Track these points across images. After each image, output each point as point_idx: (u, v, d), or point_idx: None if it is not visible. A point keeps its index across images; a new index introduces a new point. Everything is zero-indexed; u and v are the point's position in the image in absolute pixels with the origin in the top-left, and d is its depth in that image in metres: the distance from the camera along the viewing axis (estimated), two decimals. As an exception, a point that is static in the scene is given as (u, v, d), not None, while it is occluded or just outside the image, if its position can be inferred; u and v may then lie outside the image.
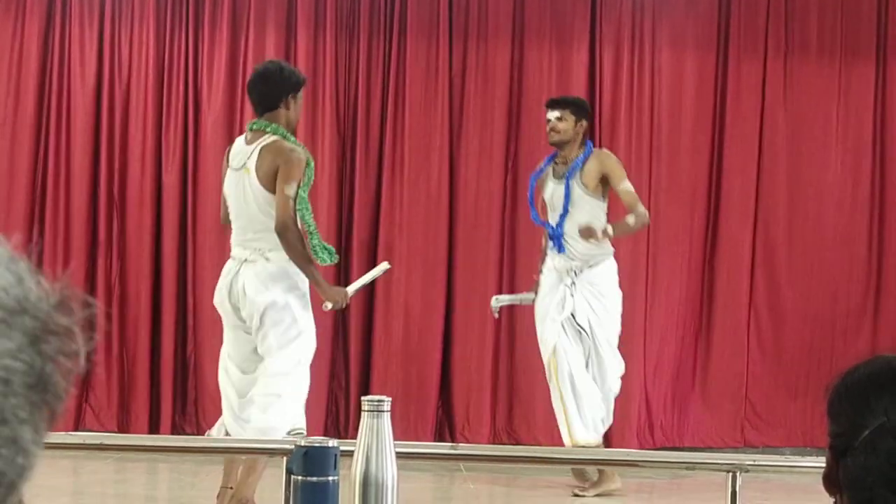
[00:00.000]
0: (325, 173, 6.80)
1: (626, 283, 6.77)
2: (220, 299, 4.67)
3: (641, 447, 6.72)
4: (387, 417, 2.41)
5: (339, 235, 6.87)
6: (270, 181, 4.49)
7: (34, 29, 6.74)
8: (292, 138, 4.64)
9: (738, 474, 2.80)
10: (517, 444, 6.60)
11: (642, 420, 6.82)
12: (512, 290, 6.74)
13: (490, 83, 6.88)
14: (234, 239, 4.67)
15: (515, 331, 6.78)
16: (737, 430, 6.90)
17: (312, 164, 4.64)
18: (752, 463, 2.94)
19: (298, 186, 4.47)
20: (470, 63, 6.88)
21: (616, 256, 6.76)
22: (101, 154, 6.76)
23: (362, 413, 2.41)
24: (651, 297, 6.87)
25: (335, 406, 6.81)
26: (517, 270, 6.80)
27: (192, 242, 6.82)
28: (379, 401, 2.42)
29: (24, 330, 0.71)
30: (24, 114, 6.73)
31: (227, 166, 4.72)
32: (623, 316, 6.74)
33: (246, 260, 4.56)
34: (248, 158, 4.56)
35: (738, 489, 2.81)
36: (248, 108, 6.74)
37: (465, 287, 6.81)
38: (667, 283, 6.88)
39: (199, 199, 6.81)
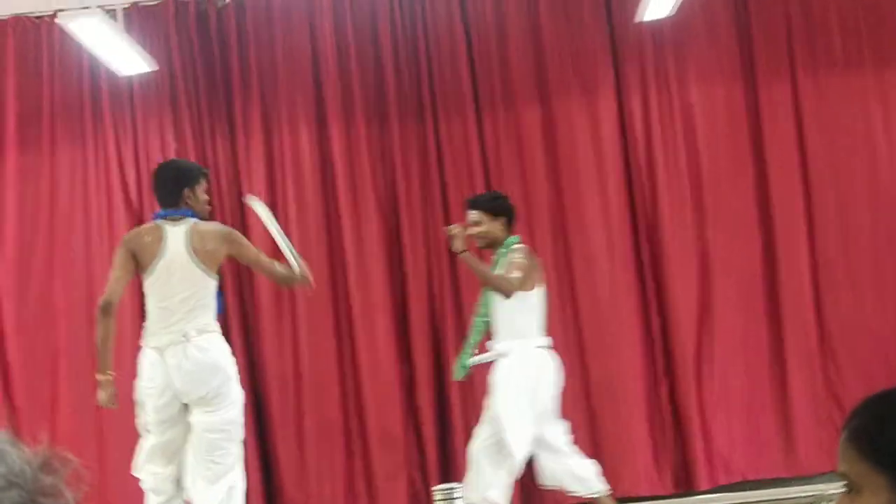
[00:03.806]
0: (375, 258, 6.85)
1: (686, 324, 6.73)
2: None
3: (717, 483, 6.62)
4: (459, 504, 2.43)
5: (397, 316, 6.89)
6: None
7: (65, 157, 6.90)
8: None
9: (821, 505, 2.76)
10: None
11: (722, 456, 6.70)
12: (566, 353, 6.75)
13: (525, 145, 6.90)
14: None
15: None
16: (826, 455, 6.75)
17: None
18: (835, 491, 2.89)
19: None
20: (500, 129, 6.91)
21: (673, 296, 6.74)
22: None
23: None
24: (714, 335, 6.77)
25: (414, 488, 6.80)
26: (570, 331, 6.78)
27: (255, 324, 6.90)
28: (449, 489, 2.43)
29: (14, 502, 0.74)
30: (67, 243, 6.87)
31: None
32: (689, 355, 6.73)
33: None
34: None
35: (824, 518, 2.77)
36: (291, 202, 6.87)
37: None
38: (729, 318, 6.78)
39: (256, 296, 6.90)
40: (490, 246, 5.61)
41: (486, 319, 5.62)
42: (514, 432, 5.36)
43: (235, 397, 4.97)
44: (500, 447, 5.39)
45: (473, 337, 5.67)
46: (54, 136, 6.93)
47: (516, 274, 5.35)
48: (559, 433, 5.61)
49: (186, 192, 5.02)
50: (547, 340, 5.58)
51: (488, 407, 5.54)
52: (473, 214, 5.57)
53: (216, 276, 4.95)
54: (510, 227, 5.62)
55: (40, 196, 6.91)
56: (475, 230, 5.55)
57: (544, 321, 5.59)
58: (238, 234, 5.06)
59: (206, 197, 5.15)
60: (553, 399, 5.55)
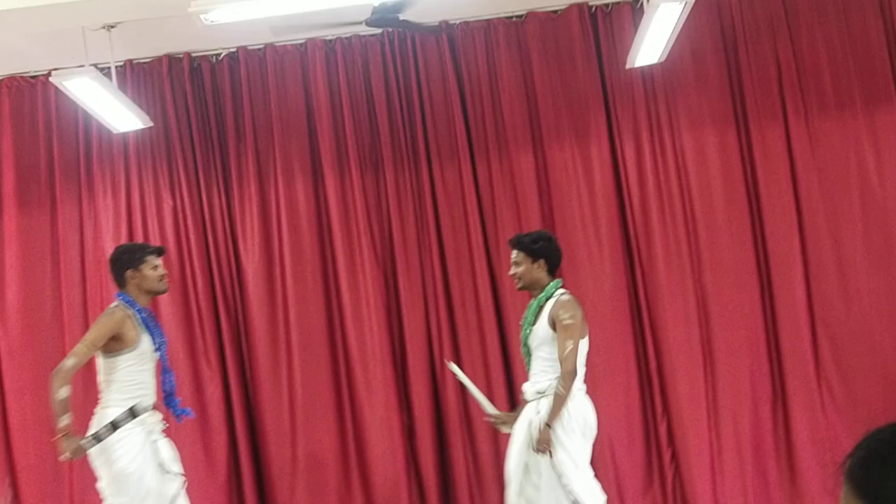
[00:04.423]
0: (372, 305, 6.85)
1: (684, 369, 6.73)
2: None
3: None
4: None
5: (395, 365, 6.88)
6: None
7: (65, 215, 6.93)
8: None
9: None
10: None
11: (720, 498, 6.67)
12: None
13: (519, 192, 6.92)
14: None
15: None
16: (830, 497, 6.72)
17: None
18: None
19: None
20: (496, 175, 6.94)
21: (669, 342, 6.74)
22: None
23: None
24: (712, 380, 6.77)
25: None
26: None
27: (253, 386, 6.89)
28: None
29: None
30: (69, 299, 6.88)
31: None
32: (687, 401, 6.71)
33: None
34: None
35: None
36: (287, 252, 6.89)
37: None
38: (727, 363, 6.78)
39: (253, 347, 6.90)
40: (529, 287, 5.37)
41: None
42: (578, 484, 5.15)
43: (103, 465, 5.13)
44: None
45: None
46: (53, 193, 6.96)
47: (569, 346, 5.09)
48: None
49: (129, 273, 5.26)
50: (583, 387, 5.35)
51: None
52: (514, 254, 5.39)
53: (105, 355, 5.13)
54: (552, 271, 5.38)
55: (42, 254, 6.92)
56: (513, 271, 5.39)
57: (584, 369, 5.32)
58: (99, 318, 5.20)
59: (156, 273, 5.31)
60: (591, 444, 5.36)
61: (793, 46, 6.97)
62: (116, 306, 5.19)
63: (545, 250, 5.37)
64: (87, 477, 6.73)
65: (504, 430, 5.53)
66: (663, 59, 6.23)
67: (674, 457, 6.76)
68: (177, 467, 5.25)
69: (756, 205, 6.91)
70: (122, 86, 6.66)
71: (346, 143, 6.97)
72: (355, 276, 6.91)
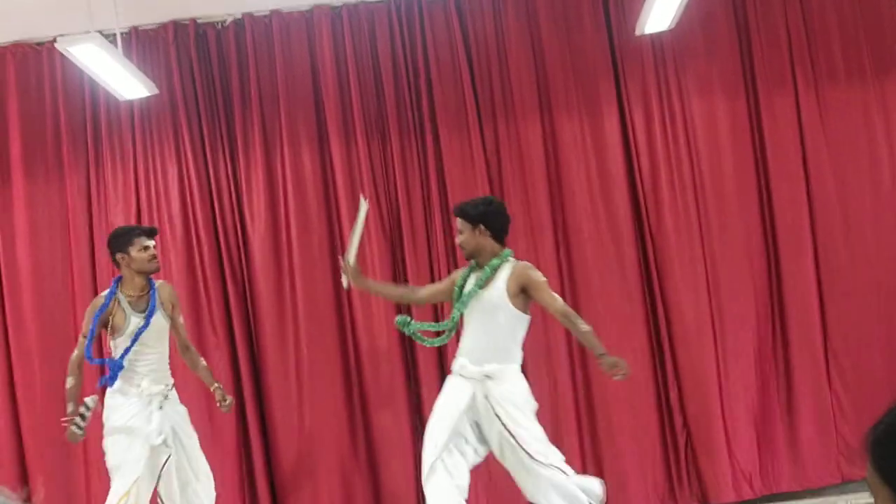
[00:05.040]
0: (378, 275, 6.84)
1: (694, 337, 6.73)
2: None
3: (740, 498, 6.59)
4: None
5: (402, 334, 6.87)
6: None
7: (72, 182, 6.91)
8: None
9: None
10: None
11: (736, 470, 6.68)
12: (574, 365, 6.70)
13: (526, 160, 6.89)
14: None
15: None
16: (833, 467, 6.73)
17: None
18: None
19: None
20: (503, 144, 6.90)
21: (679, 310, 6.73)
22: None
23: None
24: (722, 348, 6.76)
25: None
26: (574, 346, 6.75)
27: (259, 355, 6.90)
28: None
29: None
30: (79, 268, 6.88)
31: None
32: (697, 368, 6.71)
33: None
34: None
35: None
36: (293, 220, 6.87)
37: (530, 365, 6.76)
38: (736, 331, 6.77)
39: (259, 316, 6.90)
40: (474, 255, 5.26)
41: (452, 326, 5.45)
42: (546, 457, 5.15)
43: (105, 424, 5.45)
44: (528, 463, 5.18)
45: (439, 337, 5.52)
46: (61, 161, 6.93)
47: (557, 296, 5.21)
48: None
49: (119, 257, 5.47)
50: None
51: (506, 439, 5.19)
52: (457, 223, 5.32)
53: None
54: (498, 237, 5.27)
55: (52, 222, 6.90)
56: (457, 240, 5.32)
57: (522, 351, 5.36)
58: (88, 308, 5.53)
59: (146, 254, 5.45)
60: None
61: (803, 14, 6.93)
62: (102, 295, 5.49)
63: (484, 215, 5.23)
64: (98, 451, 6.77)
65: (343, 279, 5.62)
66: (673, 26, 6.18)
67: (685, 423, 6.76)
68: (169, 439, 5.42)
69: (764, 172, 6.88)
70: (128, 53, 6.62)
71: (353, 111, 6.94)
72: (361, 245, 6.88)
